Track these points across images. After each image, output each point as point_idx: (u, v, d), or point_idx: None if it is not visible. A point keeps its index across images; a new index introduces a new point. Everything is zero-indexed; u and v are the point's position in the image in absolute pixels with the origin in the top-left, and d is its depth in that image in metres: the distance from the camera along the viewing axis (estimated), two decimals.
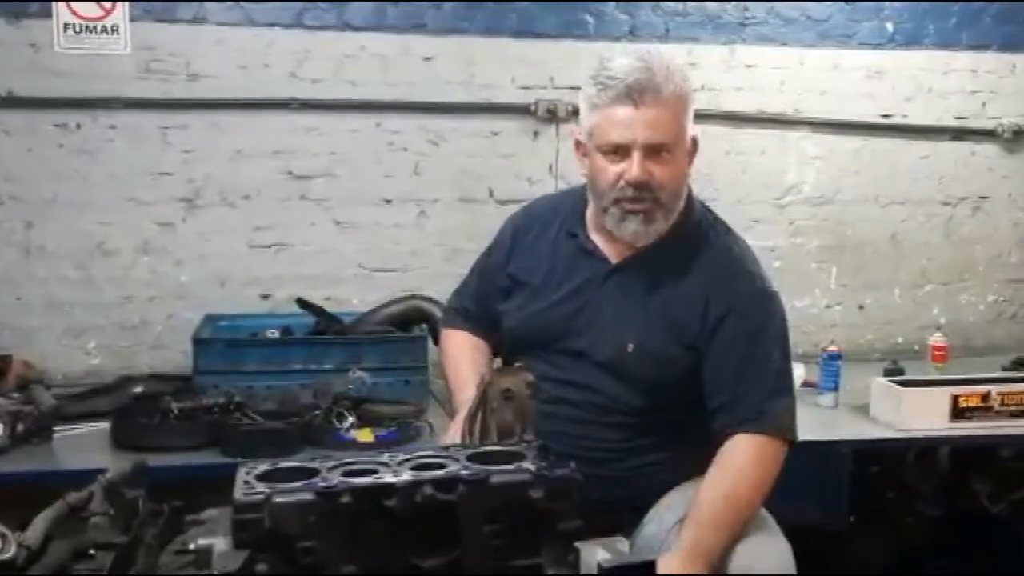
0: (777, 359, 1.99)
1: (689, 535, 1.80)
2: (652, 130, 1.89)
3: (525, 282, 2.12)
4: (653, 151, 1.91)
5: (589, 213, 2.09)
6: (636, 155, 1.90)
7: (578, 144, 2.05)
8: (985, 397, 2.95)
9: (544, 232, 2.14)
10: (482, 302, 2.24)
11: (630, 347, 1.97)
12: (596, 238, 2.08)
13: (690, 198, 2.08)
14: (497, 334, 2.19)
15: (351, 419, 2.71)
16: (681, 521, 1.86)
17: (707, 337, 1.96)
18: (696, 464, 1.96)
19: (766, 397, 1.94)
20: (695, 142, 2.01)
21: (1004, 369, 3.49)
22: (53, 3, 3.21)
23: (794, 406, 2.02)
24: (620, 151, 1.92)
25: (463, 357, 2.20)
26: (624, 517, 1.93)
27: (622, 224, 1.97)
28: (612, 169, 1.93)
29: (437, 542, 1.38)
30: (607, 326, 2.00)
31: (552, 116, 3.53)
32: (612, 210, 1.97)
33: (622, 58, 1.92)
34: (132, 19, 3.27)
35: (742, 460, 1.89)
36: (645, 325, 1.98)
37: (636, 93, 1.88)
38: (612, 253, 2.06)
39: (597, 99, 1.92)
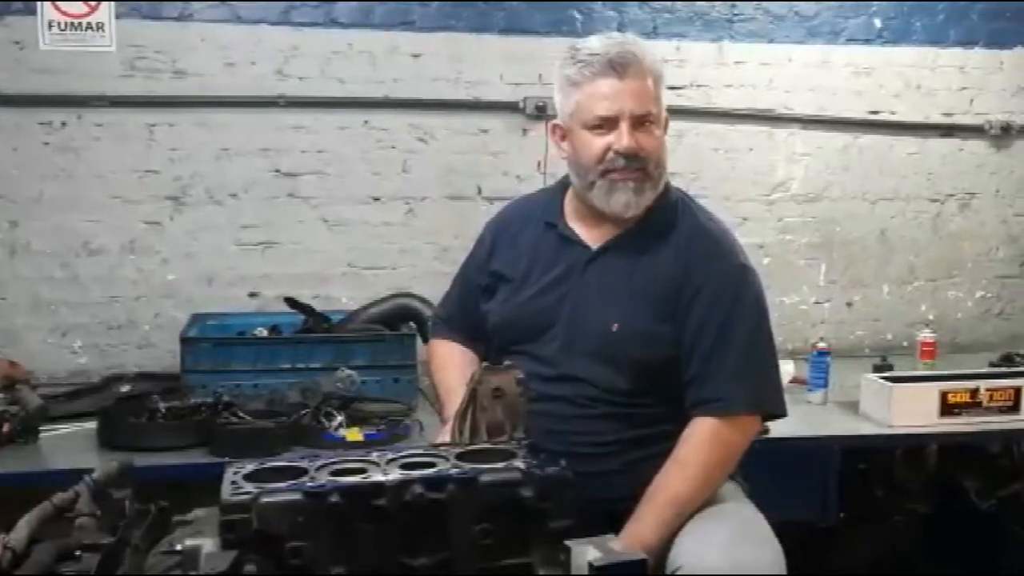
0: (751, 333, 1.99)
1: (628, 528, 1.82)
2: (639, 100, 1.94)
3: (508, 277, 2.12)
4: (639, 121, 1.95)
5: (567, 202, 2.12)
6: (624, 125, 1.94)
7: (555, 128, 2.08)
8: (974, 393, 2.95)
9: (524, 228, 2.16)
10: (466, 307, 2.24)
11: (615, 327, 1.97)
12: (575, 225, 2.09)
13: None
14: (483, 342, 2.18)
15: (340, 418, 2.70)
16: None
17: (684, 311, 1.97)
18: None
19: (733, 377, 1.94)
20: (667, 120, 2.06)
21: (992, 365, 3.51)
22: (38, 1, 3.18)
23: (775, 377, 2.04)
24: (607, 124, 1.95)
25: (451, 368, 2.19)
26: (619, 516, 1.91)
27: (612, 196, 1.99)
28: (598, 142, 1.96)
29: (427, 541, 1.38)
30: (591, 309, 2.00)
31: (541, 113, 3.49)
32: (600, 183, 1.99)
33: (596, 39, 1.99)
34: (117, 16, 3.25)
35: (694, 451, 1.90)
36: (629, 305, 1.98)
37: (619, 66, 1.93)
38: (592, 239, 2.07)
39: (578, 76, 1.96)
